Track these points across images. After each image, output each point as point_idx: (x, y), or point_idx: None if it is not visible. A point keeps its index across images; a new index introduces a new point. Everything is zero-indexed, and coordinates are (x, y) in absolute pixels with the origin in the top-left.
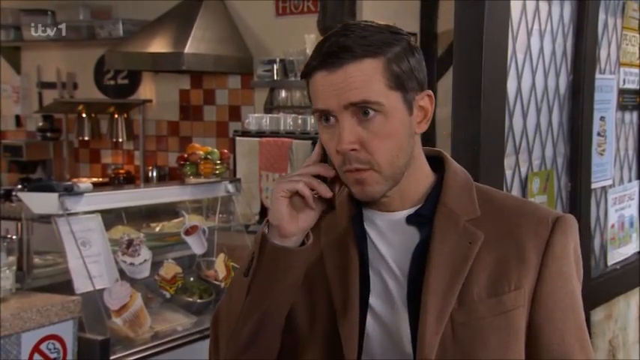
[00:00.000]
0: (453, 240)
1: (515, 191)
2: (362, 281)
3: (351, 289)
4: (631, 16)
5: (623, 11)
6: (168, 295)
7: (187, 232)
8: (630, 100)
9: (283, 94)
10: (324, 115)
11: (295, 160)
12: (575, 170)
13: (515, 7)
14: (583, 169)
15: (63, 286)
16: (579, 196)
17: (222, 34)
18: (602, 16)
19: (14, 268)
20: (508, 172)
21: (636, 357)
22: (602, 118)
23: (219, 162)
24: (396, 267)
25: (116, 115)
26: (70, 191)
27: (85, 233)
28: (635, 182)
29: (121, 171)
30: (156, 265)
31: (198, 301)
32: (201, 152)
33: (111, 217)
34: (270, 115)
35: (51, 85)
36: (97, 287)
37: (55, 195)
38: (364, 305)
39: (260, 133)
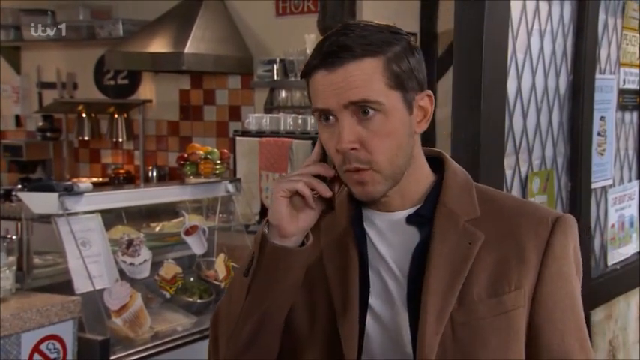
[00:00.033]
0: (453, 240)
1: (515, 191)
2: (362, 281)
3: (350, 289)
4: (631, 16)
5: (623, 11)
6: (168, 295)
7: (187, 232)
8: (630, 100)
9: (283, 94)
10: (324, 115)
11: (295, 160)
12: (575, 170)
13: (515, 7)
14: (583, 169)
15: (63, 286)
16: (579, 196)
17: (222, 34)
18: (602, 16)
19: (14, 268)
20: (508, 172)
21: (636, 357)
22: (602, 118)
23: (219, 162)
24: (396, 267)
25: (116, 115)
26: (70, 191)
27: (85, 233)
28: (635, 182)
29: (121, 171)
30: (156, 265)
31: (198, 301)
32: (201, 152)
33: (111, 217)
34: (270, 115)
35: (51, 85)
36: (97, 287)
37: (55, 195)
38: (364, 305)
39: (260, 133)
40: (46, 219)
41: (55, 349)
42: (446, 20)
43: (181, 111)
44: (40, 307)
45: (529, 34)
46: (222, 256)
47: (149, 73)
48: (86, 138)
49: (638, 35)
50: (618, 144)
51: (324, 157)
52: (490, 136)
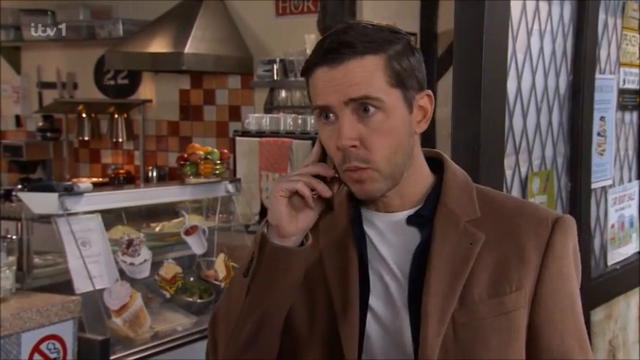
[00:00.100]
0: (454, 241)
1: (515, 191)
2: (361, 282)
3: (350, 289)
4: (631, 16)
5: (623, 11)
6: (168, 295)
7: (187, 232)
8: (630, 100)
9: (283, 94)
10: (324, 112)
11: (295, 160)
12: (575, 170)
13: (515, 7)
14: (583, 169)
15: (63, 286)
16: (579, 196)
17: (222, 34)
18: (602, 16)
19: (14, 268)
20: (508, 172)
21: (636, 357)
22: (602, 118)
23: (219, 162)
24: (397, 268)
25: (116, 115)
26: (70, 191)
27: (85, 233)
28: (635, 182)
29: (121, 171)
30: (156, 265)
31: (198, 301)
32: (201, 152)
33: (111, 217)
34: (270, 115)
35: (51, 85)
36: (97, 287)
37: (55, 195)
38: (364, 306)
39: (260, 133)
40: (46, 219)
41: (55, 349)
42: (446, 20)
43: (181, 111)
44: (40, 307)
45: (529, 34)
46: (222, 256)
47: (149, 73)
48: (86, 138)
49: (638, 35)
50: (618, 144)
51: (323, 157)
52: (490, 136)
